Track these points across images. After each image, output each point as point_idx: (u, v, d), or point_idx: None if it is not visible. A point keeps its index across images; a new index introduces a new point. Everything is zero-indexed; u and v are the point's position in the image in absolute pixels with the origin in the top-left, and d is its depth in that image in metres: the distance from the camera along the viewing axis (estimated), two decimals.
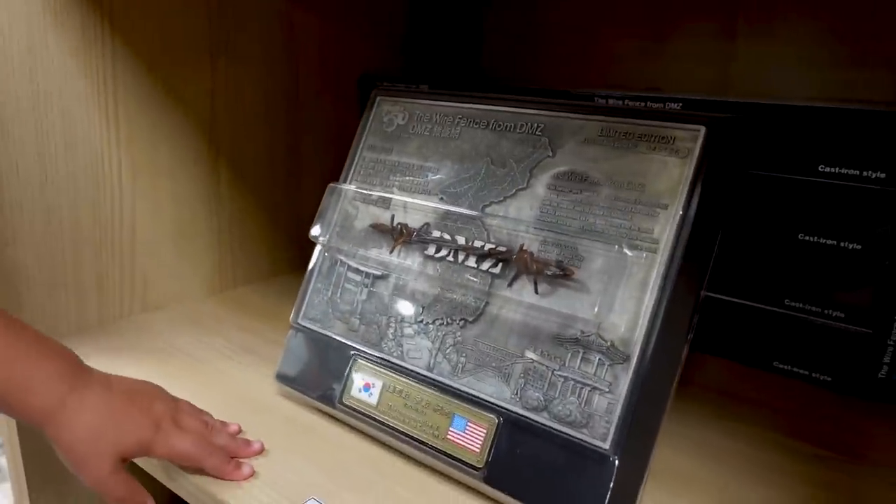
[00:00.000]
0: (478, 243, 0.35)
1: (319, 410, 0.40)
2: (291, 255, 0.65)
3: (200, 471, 0.34)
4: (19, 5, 0.43)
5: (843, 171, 0.44)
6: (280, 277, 0.64)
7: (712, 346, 0.52)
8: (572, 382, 0.31)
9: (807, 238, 0.46)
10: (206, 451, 0.34)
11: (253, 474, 0.34)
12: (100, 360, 0.38)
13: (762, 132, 0.45)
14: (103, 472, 0.32)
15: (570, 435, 0.30)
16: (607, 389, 0.30)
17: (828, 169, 0.44)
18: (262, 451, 0.36)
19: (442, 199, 0.38)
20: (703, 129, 0.31)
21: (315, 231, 0.41)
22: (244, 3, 0.55)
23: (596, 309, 0.30)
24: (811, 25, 0.55)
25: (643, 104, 0.49)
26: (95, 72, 0.47)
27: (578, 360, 0.31)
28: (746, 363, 0.50)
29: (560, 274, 0.32)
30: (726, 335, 0.51)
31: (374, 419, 0.36)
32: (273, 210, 0.63)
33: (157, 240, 0.54)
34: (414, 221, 0.38)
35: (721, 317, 0.50)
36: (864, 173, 0.43)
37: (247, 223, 0.61)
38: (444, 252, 0.36)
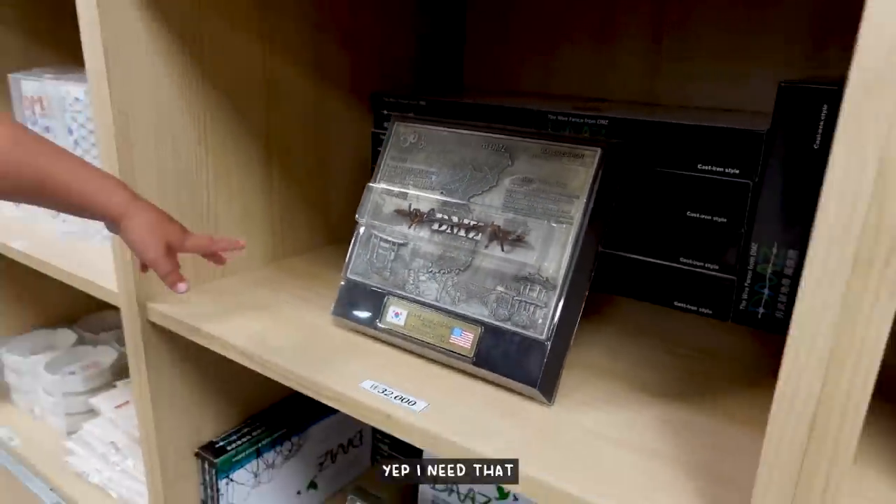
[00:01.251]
0: (466, 221, 0.55)
1: (363, 334, 0.60)
2: (324, 233, 0.85)
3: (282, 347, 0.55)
4: (147, 64, 0.62)
5: (713, 168, 0.64)
6: (316, 250, 0.84)
7: (633, 291, 0.73)
8: (524, 303, 0.51)
9: (692, 214, 0.66)
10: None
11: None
12: (200, 308, 0.58)
13: (659, 141, 0.66)
14: (160, 251, 0.53)
15: (523, 333, 0.51)
16: (544, 305, 0.51)
17: (704, 167, 0.65)
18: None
19: (442, 192, 0.58)
20: (599, 150, 0.51)
21: (358, 215, 0.61)
22: (289, 49, 0.75)
23: (535, 259, 0.51)
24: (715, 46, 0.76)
25: (582, 120, 0.69)
26: (193, 105, 0.67)
27: (528, 290, 0.52)
28: (657, 303, 0.71)
29: (516, 239, 0.52)
30: (642, 283, 0.72)
31: (402, 334, 0.57)
32: (311, 198, 0.83)
33: (230, 221, 0.74)
34: (424, 207, 0.58)
35: (638, 271, 0.71)
36: (727, 170, 0.63)
37: (292, 209, 0.81)
38: (444, 227, 0.56)
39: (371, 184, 0.62)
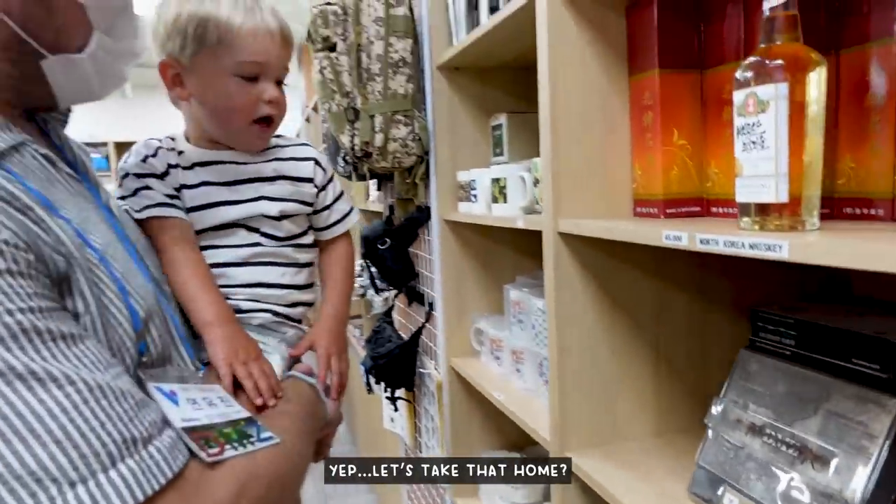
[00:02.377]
0: (787, 440, 0.73)
1: None
2: (701, 416, 1.07)
3: None
4: (578, 299, 0.99)
5: None
6: (692, 430, 1.06)
7: None
8: None
9: None
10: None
11: None
12: (597, 462, 0.88)
13: None
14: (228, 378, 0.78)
15: None
16: None
17: None
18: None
19: (772, 414, 0.77)
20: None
21: (709, 421, 0.84)
22: (676, 281, 1.03)
23: (838, 482, 0.65)
24: None
25: None
26: (605, 327, 1.01)
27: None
28: None
29: (825, 462, 0.68)
30: None
31: None
32: (691, 388, 1.06)
33: (626, 404, 1.04)
34: (757, 422, 0.78)
35: None
36: None
37: (675, 394, 1.06)
38: (770, 441, 0.75)
39: (719, 396, 0.84)
